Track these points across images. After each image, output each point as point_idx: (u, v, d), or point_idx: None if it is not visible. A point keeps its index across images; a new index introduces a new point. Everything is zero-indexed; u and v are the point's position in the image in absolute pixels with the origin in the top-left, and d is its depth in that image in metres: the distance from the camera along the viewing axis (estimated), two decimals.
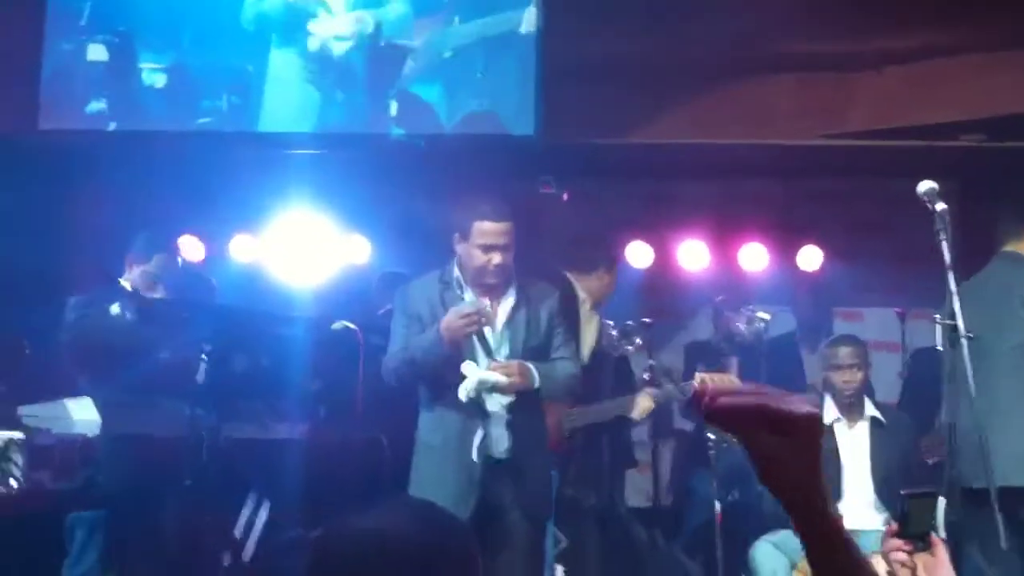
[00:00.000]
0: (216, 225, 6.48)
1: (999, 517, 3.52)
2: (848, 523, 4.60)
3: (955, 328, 3.54)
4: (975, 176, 6.40)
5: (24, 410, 4.09)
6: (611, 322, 5.06)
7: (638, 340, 5.11)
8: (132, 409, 4.31)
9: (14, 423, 3.99)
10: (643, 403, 4.81)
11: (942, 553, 2.31)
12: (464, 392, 3.95)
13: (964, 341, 3.53)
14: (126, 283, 4.77)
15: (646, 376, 5.04)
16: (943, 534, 3.78)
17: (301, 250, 6.31)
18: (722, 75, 6.38)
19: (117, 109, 6.37)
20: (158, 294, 4.71)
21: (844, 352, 4.83)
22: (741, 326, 5.69)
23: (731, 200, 6.63)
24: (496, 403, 4.03)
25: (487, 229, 4.04)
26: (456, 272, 4.15)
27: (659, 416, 5.06)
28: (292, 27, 6.42)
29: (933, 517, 3.70)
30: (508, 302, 4.16)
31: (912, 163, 6.03)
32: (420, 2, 6.41)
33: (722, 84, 6.39)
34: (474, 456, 3.98)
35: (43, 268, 5.45)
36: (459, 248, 4.12)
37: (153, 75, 6.37)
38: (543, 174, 6.48)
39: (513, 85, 6.26)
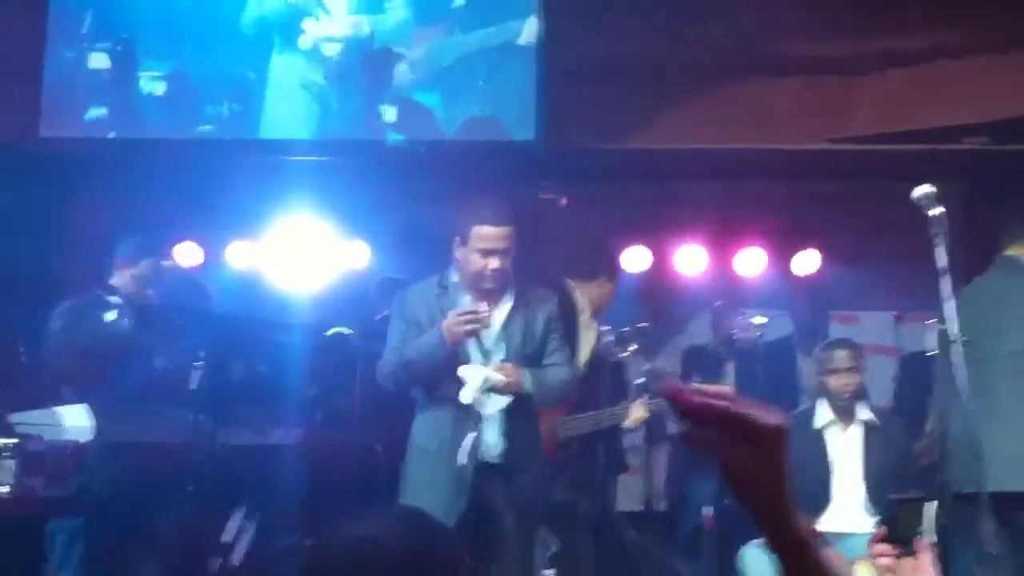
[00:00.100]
0: (215, 231, 6.50)
1: (989, 522, 3.50)
2: (840, 526, 4.63)
3: (948, 332, 3.52)
4: (979, 179, 6.37)
5: (16, 417, 4.10)
6: (608, 327, 5.05)
7: (634, 346, 5.10)
8: (127, 416, 4.31)
9: (6, 429, 4.00)
10: (636, 413, 4.81)
11: (926, 559, 2.30)
12: (468, 394, 3.95)
13: (957, 345, 3.50)
14: (112, 288, 4.74)
15: (642, 380, 5.04)
16: (935, 538, 3.76)
17: (300, 256, 6.32)
18: (723, 78, 6.37)
19: (117, 116, 6.40)
20: (147, 298, 4.69)
21: (840, 356, 4.82)
22: (738, 332, 5.68)
23: (732, 203, 6.61)
24: (491, 408, 4.02)
25: (486, 233, 4.05)
26: (455, 277, 4.16)
27: (652, 421, 5.04)
28: (292, 31, 6.44)
29: (921, 523, 3.68)
30: (505, 307, 4.17)
31: (915, 166, 6.00)
32: (422, 11, 6.43)
33: (723, 87, 6.38)
34: (466, 460, 3.97)
35: (42, 274, 5.48)
36: (458, 253, 4.13)
37: (153, 83, 6.40)
38: (544, 179, 6.48)
39: (514, 90, 6.28)
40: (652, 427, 5.01)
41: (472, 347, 4.06)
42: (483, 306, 4.07)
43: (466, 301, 4.10)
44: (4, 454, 3.81)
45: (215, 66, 6.45)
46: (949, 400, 3.68)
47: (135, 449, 4.35)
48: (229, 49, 6.46)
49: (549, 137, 6.21)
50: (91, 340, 4.58)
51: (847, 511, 4.69)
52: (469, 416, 4.02)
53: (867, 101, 6.38)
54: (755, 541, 4.54)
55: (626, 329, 5.11)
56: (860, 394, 4.88)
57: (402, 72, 6.41)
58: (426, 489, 4.01)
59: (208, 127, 6.36)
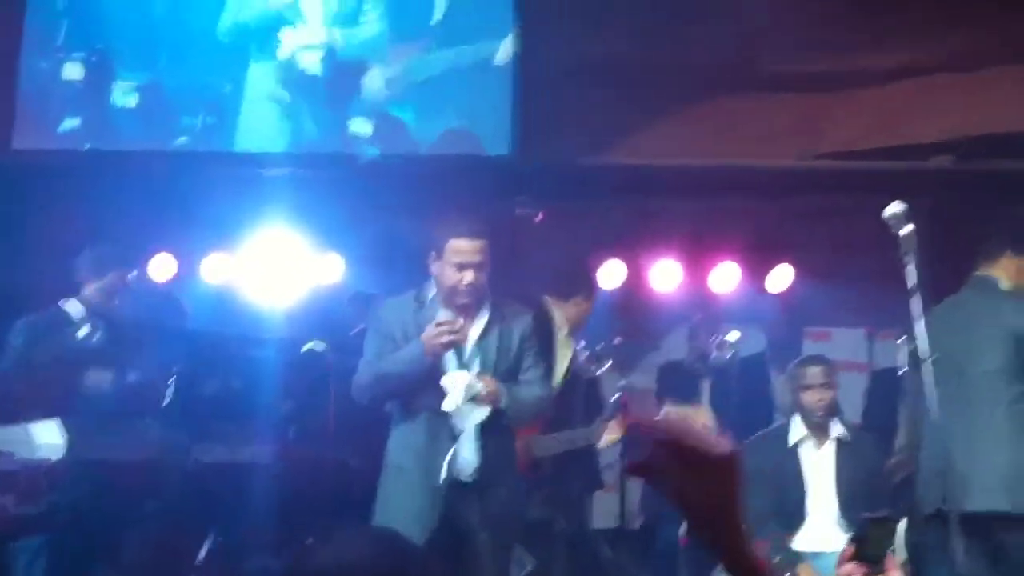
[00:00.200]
0: (189, 244, 6.47)
1: (961, 541, 3.53)
2: (814, 544, 4.66)
3: (918, 351, 3.56)
4: (946, 197, 6.44)
5: None
6: (583, 343, 5.06)
7: (609, 362, 5.11)
8: (99, 432, 4.28)
9: None
10: (610, 434, 4.81)
11: None
12: (452, 402, 3.94)
13: (927, 364, 3.53)
14: (78, 303, 4.68)
15: (617, 397, 5.05)
16: (905, 557, 3.80)
17: (274, 269, 6.30)
18: (698, 95, 6.42)
19: (91, 128, 6.38)
20: (113, 311, 4.63)
21: (813, 372, 4.85)
22: (713, 349, 5.71)
23: (706, 219, 6.65)
24: (467, 424, 4.02)
25: (460, 247, 4.06)
26: (431, 292, 4.16)
27: (627, 438, 5.05)
28: (268, 41, 6.44)
29: (891, 542, 3.71)
30: (481, 322, 4.17)
31: (885, 183, 6.07)
32: (398, 27, 6.44)
33: (697, 104, 6.43)
34: (442, 477, 3.97)
35: (15, 287, 5.42)
36: (434, 267, 4.14)
37: (126, 95, 6.37)
38: (519, 194, 6.50)
39: (489, 105, 6.31)
40: (628, 444, 5.02)
41: (449, 360, 4.06)
42: (459, 320, 4.07)
43: (442, 316, 4.10)
44: None
45: (190, 77, 6.44)
46: (920, 419, 3.71)
47: (106, 466, 4.32)
48: (204, 60, 6.45)
49: (524, 152, 6.24)
50: (54, 355, 4.53)
51: (821, 528, 4.71)
52: (445, 432, 4.02)
53: (839, 119, 6.45)
54: None
55: (601, 346, 5.12)
56: (834, 410, 4.91)
57: (377, 87, 6.42)
58: (401, 506, 4.00)
59: (183, 139, 6.34)
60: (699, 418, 5.00)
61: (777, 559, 4.45)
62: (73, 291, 4.73)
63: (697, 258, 6.56)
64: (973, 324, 4.08)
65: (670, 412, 4.91)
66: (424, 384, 4.03)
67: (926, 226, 5.85)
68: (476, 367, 4.10)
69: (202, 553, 4.33)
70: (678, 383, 5.84)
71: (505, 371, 4.15)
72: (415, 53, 6.40)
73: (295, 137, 6.42)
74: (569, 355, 5.01)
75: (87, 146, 6.32)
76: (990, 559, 3.85)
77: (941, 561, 3.67)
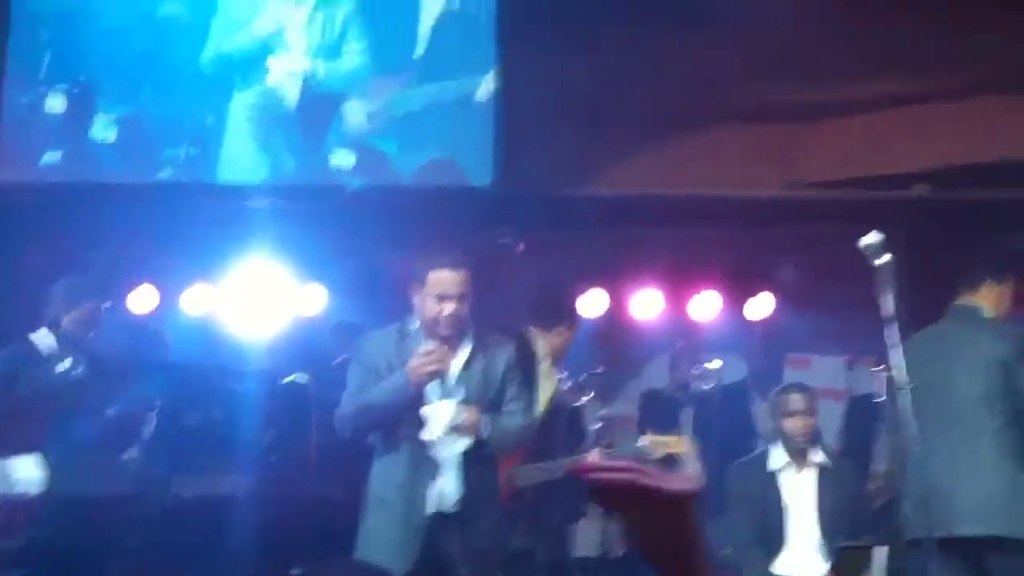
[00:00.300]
0: (171, 275, 6.46)
1: (943, 567, 3.55)
2: (794, 570, 4.68)
3: (896, 379, 3.58)
4: (925, 226, 6.50)
5: None
6: (565, 373, 5.07)
7: (591, 393, 5.12)
8: (78, 466, 4.26)
9: None
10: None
11: None
12: (434, 431, 3.94)
13: (906, 392, 3.56)
14: (49, 334, 4.65)
15: (599, 426, 5.06)
16: None
17: (256, 301, 6.30)
18: (677, 125, 6.48)
19: (73, 161, 6.37)
20: (89, 342, 4.61)
21: (795, 399, 4.89)
22: (693, 382, 5.74)
23: (686, 248, 6.70)
24: (448, 454, 4.02)
25: (441, 278, 4.07)
26: (415, 324, 4.17)
27: None
28: (251, 73, 6.47)
29: (867, 569, 3.73)
30: (464, 353, 4.18)
31: (863, 212, 6.13)
32: (380, 61, 6.48)
33: (677, 134, 6.48)
34: (427, 509, 3.97)
35: None
36: (416, 299, 4.15)
37: (105, 129, 6.38)
38: (501, 224, 6.53)
39: (471, 138, 6.35)
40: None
41: (433, 391, 4.06)
42: (444, 348, 4.08)
43: (426, 346, 4.11)
44: None
45: (173, 109, 6.46)
46: (899, 446, 3.74)
47: (86, 500, 4.30)
48: (187, 91, 6.48)
49: (506, 182, 6.27)
50: (34, 388, 4.50)
51: (802, 554, 4.73)
52: (427, 463, 4.02)
53: (817, 149, 6.51)
54: None
55: (583, 377, 5.13)
56: (815, 437, 4.95)
57: (358, 120, 6.45)
58: (383, 538, 4.00)
59: (168, 171, 6.35)
60: (680, 447, 5.01)
61: None
62: (47, 323, 4.69)
63: (678, 287, 6.60)
64: (956, 352, 4.11)
65: (652, 440, 4.91)
66: (407, 415, 4.03)
67: (905, 255, 5.92)
68: (459, 397, 4.10)
69: None
70: (660, 411, 5.86)
71: (488, 401, 4.15)
72: (396, 88, 6.45)
73: (277, 169, 6.44)
74: (552, 385, 5.02)
75: (67, 179, 6.31)
76: None
77: None
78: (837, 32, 6.28)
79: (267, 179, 6.41)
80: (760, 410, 5.71)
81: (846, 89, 6.36)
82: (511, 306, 5.43)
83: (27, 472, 4.10)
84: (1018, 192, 6.15)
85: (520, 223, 6.56)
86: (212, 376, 5.13)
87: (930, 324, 4.32)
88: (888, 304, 3.60)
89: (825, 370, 6.47)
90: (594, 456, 4.82)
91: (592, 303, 6.48)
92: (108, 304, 4.81)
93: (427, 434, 3.97)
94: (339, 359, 5.55)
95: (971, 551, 3.91)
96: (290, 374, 4.99)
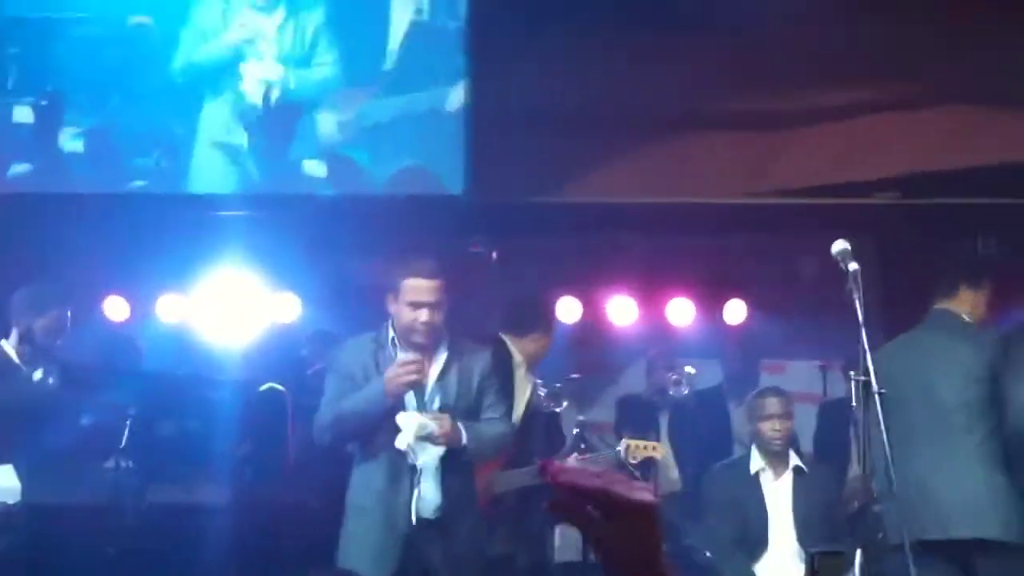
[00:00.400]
0: (144, 285, 6.43)
1: (924, 570, 3.60)
2: (775, 573, 4.71)
3: (868, 384, 3.62)
4: (894, 232, 6.59)
5: None
6: (540, 380, 5.08)
7: (565, 402, 5.13)
8: (51, 475, 4.22)
9: None
10: None
11: None
12: (403, 440, 3.95)
13: (877, 396, 3.60)
14: (20, 345, 4.61)
15: (576, 432, 5.07)
16: None
17: (230, 310, 6.28)
18: (648, 134, 6.53)
19: (42, 172, 6.33)
20: (57, 350, 4.56)
21: (772, 402, 4.93)
22: (670, 388, 5.77)
23: (659, 256, 6.75)
24: (425, 457, 4.03)
25: (415, 286, 4.09)
26: (391, 332, 4.17)
27: None
28: (221, 80, 6.45)
29: (844, 573, 3.77)
30: (439, 361, 4.18)
31: (834, 219, 6.21)
32: (351, 72, 6.49)
33: (648, 142, 6.53)
34: (410, 517, 3.98)
35: None
36: (392, 307, 4.15)
37: (73, 140, 6.35)
38: (473, 232, 6.54)
39: (442, 146, 6.37)
40: None
41: (410, 400, 4.07)
42: (421, 360, 4.09)
43: (404, 356, 4.12)
44: None
45: (143, 119, 6.43)
46: (872, 450, 3.78)
47: (61, 510, 4.26)
48: (157, 102, 6.45)
49: (478, 191, 6.29)
50: (5, 399, 4.46)
51: (782, 557, 4.77)
52: (406, 472, 4.02)
53: (787, 157, 6.58)
54: None
55: (559, 384, 5.14)
56: (791, 441, 5.00)
57: (329, 130, 6.45)
58: (363, 546, 3.99)
59: (142, 182, 6.32)
60: (657, 451, 5.04)
61: None
62: (18, 332, 4.64)
63: (652, 294, 6.64)
64: (936, 359, 4.13)
65: (630, 445, 4.94)
66: (385, 424, 4.03)
67: (875, 260, 6.02)
68: (436, 406, 4.11)
69: None
70: (636, 417, 5.88)
71: (465, 409, 4.16)
72: (367, 98, 6.46)
73: (248, 178, 6.42)
74: (528, 392, 5.03)
75: (36, 189, 6.27)
76: None
77: None
78: (807, 42, 6.36)
79: (238, 189, 6.39)
80: (737, 414, 5.75)
81: (816, 98, 6.44)
82: (485, 314, 5.45)
83: (3, 482, 4.06)
84: (984, 198, 6.26)
85: (493, 231, 6.58)
86: (186, 385, 5.10)
87: (906, 329, 4.36)
88: (859, 310, 3.64)
89: (800, 375, 6.53)
90: (571, 462, 4.84)
91: (567, 310, 6.51)
92: (72, 311, 4.74)
93: (398, 442, 3.97)
94: (315, 367, 5.55)
95: (957, 554, 3.95)
96: (265, 383, 4.97)
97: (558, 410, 5.10)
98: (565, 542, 5.42)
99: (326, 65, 6.51)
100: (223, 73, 6.48)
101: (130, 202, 6.28)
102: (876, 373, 3.68)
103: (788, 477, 4.90)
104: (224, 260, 6.26)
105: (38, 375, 4.44)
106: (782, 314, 6.49)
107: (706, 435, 5.77)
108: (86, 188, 6.33)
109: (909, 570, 3.61)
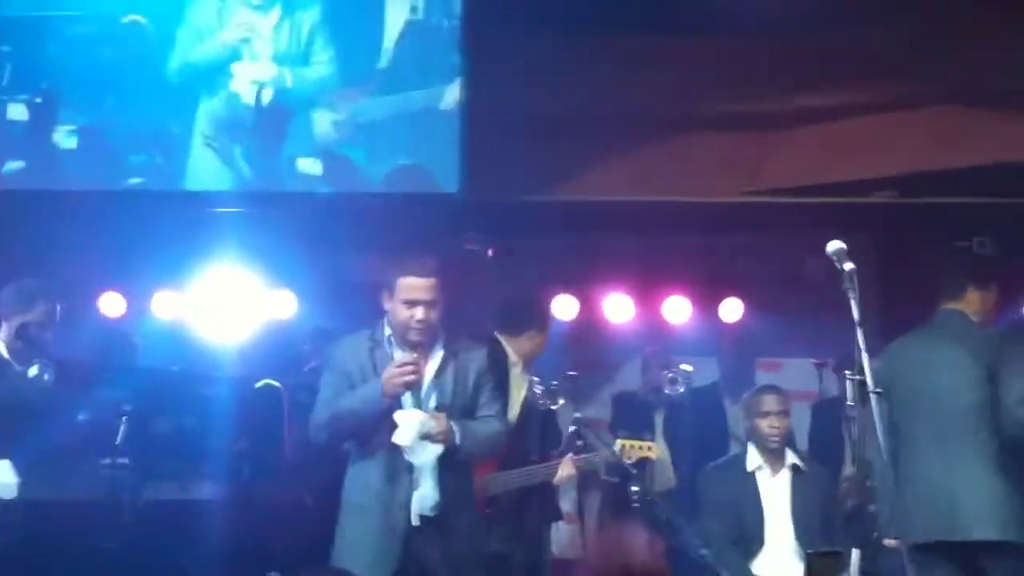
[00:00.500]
0: (139, 282, 6.43)
1: (911, 570, 3.61)
2: (771, 571, 4.72)
3: (864, 383, 3.63)
4: (888, 232, 6.61)
5: None
6: (536, 378, 5.08)
7: (561, 400, 5.14)
8: (47, 471, 4.22)
9: None
10: (564, 471, 4.83)
11: None
12: (405, 437, 3.94)
13: (873, 395, 3.61)
14: (15, 341, 4.60)
15: (572, 429, 5.07)
16: None
17: (226, 306, 6.28)
18: (644, 133, 6.55)
19: (36, 169, 6.33)
20: (46, 343, 4.55)
21: (770, 400, 4.94)
22: (665, 386, 5.78)
23: (654, 254, 6.77)
24: (424, 456, 4.02)
25: (411, 284, 4.08)
26: (387, 331, 4.17)
27: (588, 470, 5.08)
28: (217, 81, 6.46)
29: (840, 574, 3.78)
30: (435, 359, 4.18)
31: (831, 218, 6.23)
32: (346, 71, 6.50)
33: (644, 142, 6.55)
34: (408, 515, 3.98)
35: None
36: (387, 306, 4.15)
37: (66, 138, 6.36)
38: (469, 231, 6.55)
39: (438, 144, 6.38)
40: (585, 475, 5.04)
41: (407, 399, 4.07)
42: (419, 360, 4.09)
43: (397, 355, 4.12)
44: None
45: (139, 117, 6.43)
46: (868, 449, 3.78)
47: (57, 506, 4.25)
48: (153, 100, 6.45)
49: (474, 189, 6.30)
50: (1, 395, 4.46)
51: (779, 555, 4.77)
52: (403, 470, 4.02)
53: (782, 156, 6.60)
54: None
55: (555, 382, 5.14)
56: (789, 438, 5.01)
57: (325, 128, 6.46)
58: (360, 544, 3.97)
59: (137, 180, 6.32)
60: (652, 452, 5.04)
61: None
62: (12, 328, 4.63)
63: (647, 292, 6.66)
64: (944, 358, 4.12)
65: (624, 445, 4.94)
66: (381, 423, 4.03)
67: (871, 259, 6.04)
68: (432, 404, 4.11)
69: None
70: (632, 414, 5.88)
71: (461, 407, 4.15)
72: (361, 97, 6.47)
73: (244, 176, 6.43)
74: (523, 391, 5.03)
75: (30, 186, 6.28)
76: None
77: None
78: (804, 42, 6.38)
79: (234, 186, 6.39)
80: (733, 412, 5.76)
81: (813, 98, 6.47)
82: (481, 311, 5.45)
83: (0, 477, 4.05)
84: (982, 198, 6.28)
85: (489, 229, 6.59)
86: (182, 381, 5.10)
87: (903, 328, 4.37)
88: (855, 309, 3.65)
89: (797, 373, 6.54)
90: (566, 463, 4.86)
91: (563, 307, 6.52)
92: (61, 306, 4.73)
93: (397, 439, 3.97)
94: (311, 364, 5.54)
95: (966, 555, 3.96)
96: (261, 379, 4.97)
97: (554, 408, 5.10)
98: (563, 539, 5.44)
99: (322, 64, 6.52)
100: (218, 72, 6.49)
101: (125, 199, 6.29)
102: (883, 373, 3.69)
103: (785, 475, 4.91)
104: (220, 257, 6.27)
105: (34, 371, 4.42)
106: (778, 312, 6.51)
107: (702, 433, 5.78)
108: (81, 185, 6.33)
109: (905, 570, 3.62)
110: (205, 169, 6.41)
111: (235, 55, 6.48)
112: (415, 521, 3.99)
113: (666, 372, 5.82)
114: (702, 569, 4.52)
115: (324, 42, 6.53)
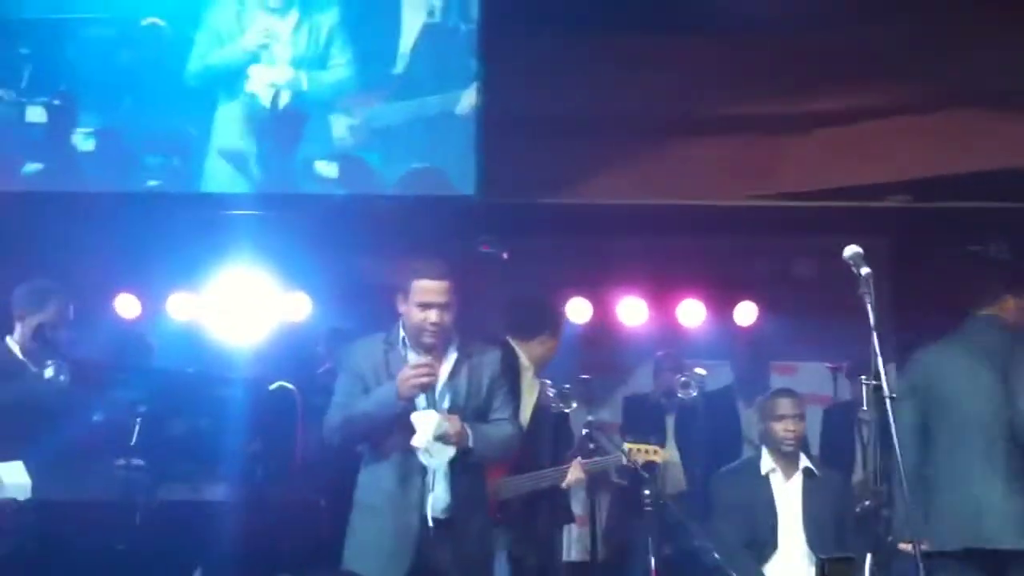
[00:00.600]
0: (155, 284, 6.46)
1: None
2: (784, 575, 4.71)
3: (879, 389, 3.61)
4: (906, 236, 6.59)
5: None
6: (548, 381, 5.08)
7: (574, 404, 5.14)
8: (61, 472, 4.24)
9: None
10: (574, 475, 4.83)
11: None
12: (421, 439, 3.95)
13: (889, 401, 3.59)
14: (14, 343, 4.63)
15: (585, 432, 5.07)
16: None
17: (240, 308, 6.31)
18: (658, 136, 6.55)
19: (54, 171, 6.37)
20: (59, 342, 4.58)
21: (785, 403, 4.94)
22: (677, 389, 5.77)
23: (668, 257, 6.77)
24: (440, 457, 4.03)
25: (425, 287, 4.09)
26: (401, 333, 4.18)
27: (597, 473, 5.09)
28: (234, 84, 6.49)
29: None
30: (449, 362, 4.19)
31: (841, 222, 6.21)
32: (363, 75, 6.51)
33: (658, 145, 6.55)
34: (422, 518, 3.98)
35: None
36: (402, 308, 4.16)
37: (84, 140, 6.39)
38: (483, 233, 6.56)
39: (454, 148, 6.39)
40: (596, 477, 5.04)
41: (421, 401, 4.08)
42: (434, 363, 4.09)
43: (411, 357, 4.13)
44: None
45: (155, 120, 6.46)
46: (885, 457, 3.77)
47: (71, 507, 4.27)
48: (171, 103, 6.48)
49: (489, 192, 6.31)
50: (16, 396, 4.48)
51: (790, 560, 4.77)
52: (416, 472, 4.03)
53: (794, 160, 6.59)
54: None
55: (568, 385, 5.14)
56: (803, 442, 5.00)
57: (341, 132, 6.48)
58: (372, 546, 3.99)
59: (154, 182, 6.36)
60: (658, 456, 5.04)
61: None
62: (29, 329, 4.66)
63: (662, 295, 6.65)
64: (985, 366, 4.12)
65: (632, 448, 4.94)
66: (395, 425, 4.04)
67: (886, 263, 6.02)
68: (446, 406, 4.12)
69: None
70: (642, 418, 5.88)
71: (475, 409, 4.16)
72: (377, 102, 6.49)
73: (260, 178, 6.45)
74: (535, 395, 5.03)
75: (48, 188, 6.31)
76: None
77: None
78: (823, 44, 6.36)
79: (250, 189, 6.42)
80: (746, 416, 5.75)
81: (828, 100, 6.45)
82: (494, 315, 5.46)
83: (14, 478, 4.07)
84: (996, 202, 6.25)
85: (504, 232, 6.60)
86: (197, 383, 5.11)
87: (918, 333, 4.37)
88: (871, 313, 3.64)
89: (811, 377, 6.53)
90: (575, 467, 4.86)
91: (577, 310, 6.52)
92: (74, 305, 4.76)
93: (415, 440, 3.98)
94: (325, 366, 5.56)
95: (996, 563, 3.96)
96: (275, 381, 4.98)
97: (567, 411, 5.10)
98: (573, 541, 5.45)
99: (339, 67, 6.54)
100: (236, 75, 6.51)
101: (142, 201, 6.32)
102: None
103: (798, 479, 4.90)
104: (235, 259, 6.29)
105: (49, 372, 4.45)
106: (793, 316, 6.49)
107: (715, 436, 5.77)
108: (98, 187, 6.37)
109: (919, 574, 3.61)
110: (221, 171, 6.44)
111: (253, 59, 6.51)
112: (426, 523, 3.99)
113: (679, 376, 5.81)
114: (714, 572, 4.51)
115: (342, 45, 6.55)
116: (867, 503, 4.65)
